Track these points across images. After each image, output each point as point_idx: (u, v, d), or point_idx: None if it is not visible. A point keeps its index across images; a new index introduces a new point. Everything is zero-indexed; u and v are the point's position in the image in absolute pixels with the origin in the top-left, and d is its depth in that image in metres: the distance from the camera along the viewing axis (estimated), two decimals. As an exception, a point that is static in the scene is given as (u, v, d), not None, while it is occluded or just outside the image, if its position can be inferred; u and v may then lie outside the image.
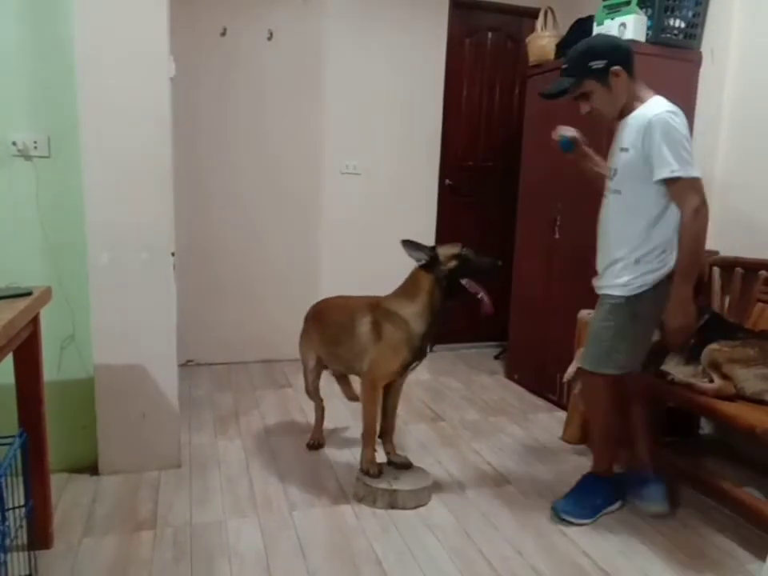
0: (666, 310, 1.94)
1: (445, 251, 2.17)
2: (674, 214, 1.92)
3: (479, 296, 2.17)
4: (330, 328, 2.42)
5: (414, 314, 2.17)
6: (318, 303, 2.61)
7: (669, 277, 1.95)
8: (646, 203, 1.93)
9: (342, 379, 2.69)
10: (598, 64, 1.92)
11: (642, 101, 1.94)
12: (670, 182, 1.86)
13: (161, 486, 2.31)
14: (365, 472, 2.26)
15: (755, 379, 2.16)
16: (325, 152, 3.81)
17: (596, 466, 2.25)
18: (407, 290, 2.22)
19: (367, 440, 2.28)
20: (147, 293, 2.30)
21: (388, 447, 2.38)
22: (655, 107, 1.89)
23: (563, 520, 2.14)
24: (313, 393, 2.66)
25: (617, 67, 1.92)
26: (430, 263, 2.15)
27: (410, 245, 2.14)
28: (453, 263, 2.15)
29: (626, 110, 1.97)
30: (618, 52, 1.95)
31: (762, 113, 2.68)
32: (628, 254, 1.97)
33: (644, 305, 1.98)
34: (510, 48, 4.16)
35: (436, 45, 3.95)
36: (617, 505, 2.23)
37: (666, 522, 2.18)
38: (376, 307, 2.24)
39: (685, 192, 1.86)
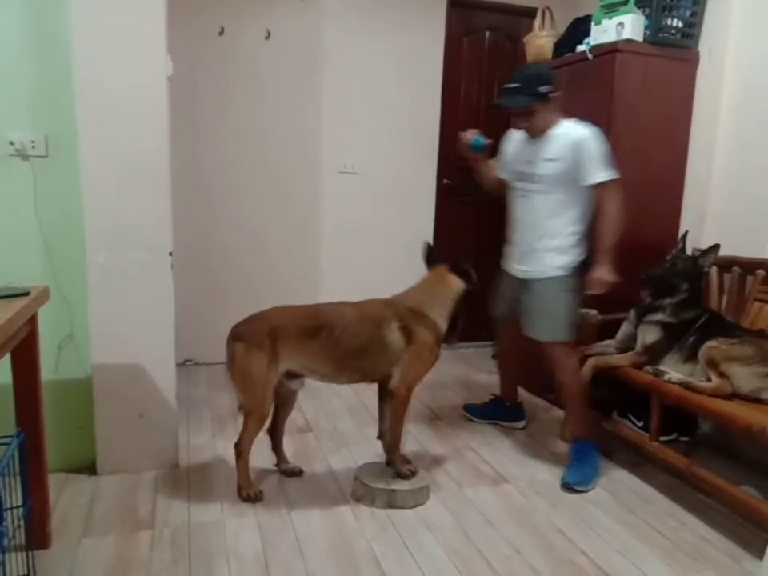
0: (593, 274, 2.38)
1: (470, 265, 2.32)
2: (589, 208, 2.43)
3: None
4: (344, 338, 2.14)
5: (441, 315, 2.22)
6: (286, 312, 2.21)
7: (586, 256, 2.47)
8: (576, 200, 2.42)
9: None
10: (545, 89, 2.34)
11: (556, 122, 2.42)
12: (601, 184, 2.35)
13: (159, 485, 2.30)
14: (404, 475, 2.26)
15: (752, 378, 2.17)
16: (323, 151, 3.81)
17: (582, 431, 2.53)
18: (433, 291, 2.25)
19: (399, 444, 2.29)
20: (145, 292, 2.30)
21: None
22: (579, 128, 2.38)
23: (580, 491, 2.37)
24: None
25: (555, 94, 2.37)
26: (461, 271, 2.28)
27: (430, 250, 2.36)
28: (476, 280, 2.31)
29: (546, 129, 2.42)
30: (555, 80, 2.42)
31: (759, 112, 2.68)
32: (564, 241, 2.45)
33: (576, 280, 2.44)
34: (507, 47, 4.16)
35: (434, 44, 3.95)
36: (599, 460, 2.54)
37: (663, 521, 2.19)
38: (401, 309, 2.20)
39: (612, 190, 2.35)
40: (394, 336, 2.15)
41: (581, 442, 2.51)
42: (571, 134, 2.37)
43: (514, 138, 2.62)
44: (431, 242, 2.31)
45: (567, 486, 2.38)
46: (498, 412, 2.99)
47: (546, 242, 2.46)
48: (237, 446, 2.21)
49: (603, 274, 2.35)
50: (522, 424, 2.97)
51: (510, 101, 2.42)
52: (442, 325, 2.23)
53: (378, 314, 2.18)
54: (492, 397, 3.06)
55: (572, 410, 2.64)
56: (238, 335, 2.14)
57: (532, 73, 2.46)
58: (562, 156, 2.37)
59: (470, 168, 2.72)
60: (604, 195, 2.36)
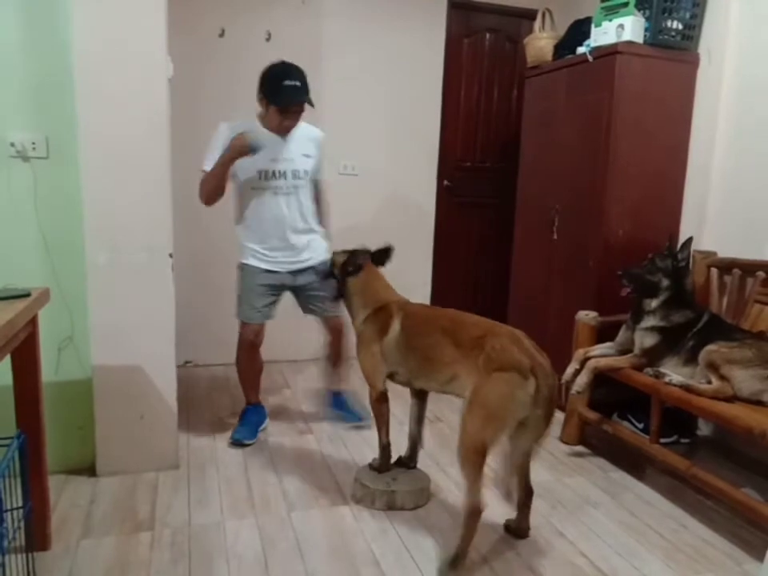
0: None
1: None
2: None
3: None
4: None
5: None
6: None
7: None
8: (311, 194, 2.75)
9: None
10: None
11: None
12: (321, 180, 2.80)
13: (159, 487, 2.30)
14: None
15: (753, 380, 2.16)
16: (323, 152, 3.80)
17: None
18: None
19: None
20: (145, 294, 2.30)
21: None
22: (312, 127, 2.72)
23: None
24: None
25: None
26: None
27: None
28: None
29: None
30: None
31: (759, 114, 2.68)
32: (318, 230, 2.81)
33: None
34: (508, 49, 4.16)
35: (434, 46, 3.95)
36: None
37: (663, 523, 2.19)
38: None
39: (325, 185, 2.85)
40: None
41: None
42: (312, 133, 2.70)
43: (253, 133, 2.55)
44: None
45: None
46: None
47: (306, 232, 2.72)
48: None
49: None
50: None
51: (303, 97, 2.53)
52: None
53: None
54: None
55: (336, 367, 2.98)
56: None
57: (303, 73, 2.58)
58: (312, 153, 2.68)
59: (220, 171, 2.56)
60: (323, 189, 2.83)
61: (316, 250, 2.75)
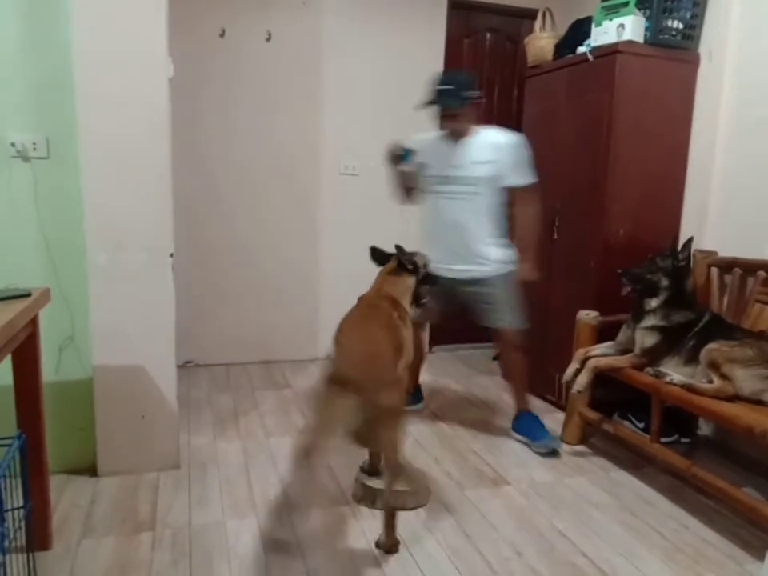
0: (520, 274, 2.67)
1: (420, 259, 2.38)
2: (505, 209, 2.65)
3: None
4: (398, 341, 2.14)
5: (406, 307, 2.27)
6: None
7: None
8: (498, 202, 2.60)
9: None
10: (468, 93, 2.49)
11: (476, 128, 2.58)
12: (522, 188, 2.58)
13: (160, 487, 2.30)
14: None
15: (753, 380, 2.16)
16: (324, 153, 3.81)
17: (524, 405, 2.83)
18: (394, 287, 2.27)
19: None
20: (146, 294, 2.30)
21: None
22: (504, 132, 2.57)
23: (555, 451, 2.68)
24: None
25: (477, 100, 2.54)
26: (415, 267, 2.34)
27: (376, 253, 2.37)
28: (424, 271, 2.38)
29: (465, 134, 2.57)
30: (477, 88, 2.58)
31: (759, 113, 2.68)
32: (498, 240, 2.64)
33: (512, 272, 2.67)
34: (508, 49, 4.16)
35: (435, 46, 3.95)
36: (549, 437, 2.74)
37: (664, 523, 2.19)
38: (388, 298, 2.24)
39: (532, 193, 2.60)
40: (397, 320, 2.18)
41: (526, 414, 2.81)
42: (496, 138, 2.56)
43: (428, 142, 2.67)
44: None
45: (542, 447, 2.69)
46: None
47: (483, 241, 2.61)
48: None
49: (538, 271, 2.65)
50: (420, 406, 3.13)
51: (445, 101, 2.49)
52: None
53: (385, 299, 2.21)
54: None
55: (518, 390, 2.83)
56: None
57: (461, 79, 2.57)
58: (489, 159, 2.52)
59: (390, 174, 2.75)
60: (525, 197, 2.59)
61: (488, 260, 2.64)
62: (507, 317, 2.67)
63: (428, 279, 2.39)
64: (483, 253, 2.62)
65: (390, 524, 1.95)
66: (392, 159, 2.62)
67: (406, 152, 2.58)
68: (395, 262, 2.30)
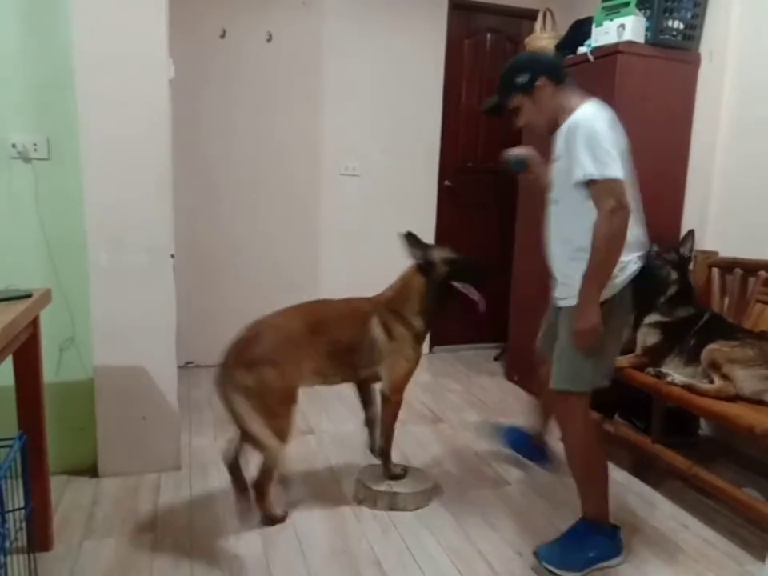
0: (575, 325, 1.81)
1: (440, 254, 2.20)
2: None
3: (476, 299, 2.20)
4: (335, 332, 2.12)
5: (412, 314, 2.19)
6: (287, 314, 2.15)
7: (630, 282, 1.86)
8: (581, 210, 1.79)
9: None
10: (522, 78, 1.90)
11: (572, 110, 1.85)
12: (590, 185, 1.75)
13: (161, 488, 2.30)
14: (398, 476, 2.28)
15: (754, 380, 2.16)
16: (324, 153, 3.81)
17: (586, 509, 1.97)
18: (402, 290, 2.22)
19: (391, 447, 2.29)
20: (147, 294, 2.30)
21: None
22: (579, 113, 1.83)
23: (547, 570, 1.86)
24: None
25: (541, 79, 1.88)
26: (426, 267, 2.18)
27: (411, 239, 2.17)
28: (446, 268, 2.18)
29: (560, 122, 1.89)
30: (540, 64, 1.93)
31: (760, 113, 2.68)
32: (578, 263, 1.80)
33: (608, 312, 1.80)
34: (509, 49, 4.15)
35: (435, 46, 3.95)
36: (616, 560, 1.93)
37: (665, 523, 2.19)
38: (380, 306, 2.20)
39: (600, 194, 1.73)
40: (377, 331, 2.15)
41: (585, 523, 1.96)
42: (564, 127, 1.86)
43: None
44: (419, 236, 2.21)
45: (537, 557, 1.91)
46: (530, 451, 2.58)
47: (558, 259, 1.97)
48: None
49: (577, 318, 1.79)
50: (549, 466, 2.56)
51: (486, 104, 2.11)
52: (417, 323, 2.19)
53: (362, 310, 2.18)
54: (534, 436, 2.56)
55: (576, 481, 2.01)
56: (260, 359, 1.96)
57: (506, 68, 1.98)
58: (561, 153, 1.88)
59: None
60: (593, 201, 1.76)
61: (563, 284, 1.95)
62: (555, 367, 1.93)
63: (458, 274, 2.15)
64: (560, 274, 1.98)
65: (259, 500, 2.03)
66: (511, 171, 2.25)
67: (513, 161, 2.19)
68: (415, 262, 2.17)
